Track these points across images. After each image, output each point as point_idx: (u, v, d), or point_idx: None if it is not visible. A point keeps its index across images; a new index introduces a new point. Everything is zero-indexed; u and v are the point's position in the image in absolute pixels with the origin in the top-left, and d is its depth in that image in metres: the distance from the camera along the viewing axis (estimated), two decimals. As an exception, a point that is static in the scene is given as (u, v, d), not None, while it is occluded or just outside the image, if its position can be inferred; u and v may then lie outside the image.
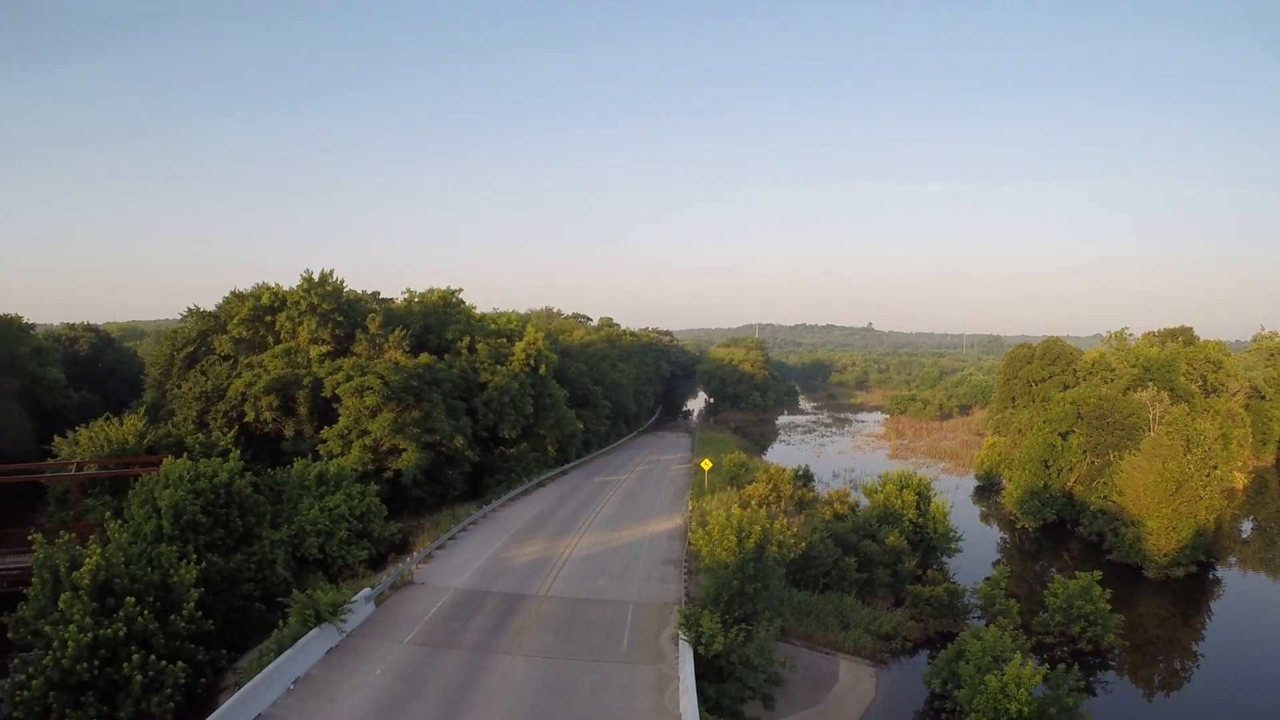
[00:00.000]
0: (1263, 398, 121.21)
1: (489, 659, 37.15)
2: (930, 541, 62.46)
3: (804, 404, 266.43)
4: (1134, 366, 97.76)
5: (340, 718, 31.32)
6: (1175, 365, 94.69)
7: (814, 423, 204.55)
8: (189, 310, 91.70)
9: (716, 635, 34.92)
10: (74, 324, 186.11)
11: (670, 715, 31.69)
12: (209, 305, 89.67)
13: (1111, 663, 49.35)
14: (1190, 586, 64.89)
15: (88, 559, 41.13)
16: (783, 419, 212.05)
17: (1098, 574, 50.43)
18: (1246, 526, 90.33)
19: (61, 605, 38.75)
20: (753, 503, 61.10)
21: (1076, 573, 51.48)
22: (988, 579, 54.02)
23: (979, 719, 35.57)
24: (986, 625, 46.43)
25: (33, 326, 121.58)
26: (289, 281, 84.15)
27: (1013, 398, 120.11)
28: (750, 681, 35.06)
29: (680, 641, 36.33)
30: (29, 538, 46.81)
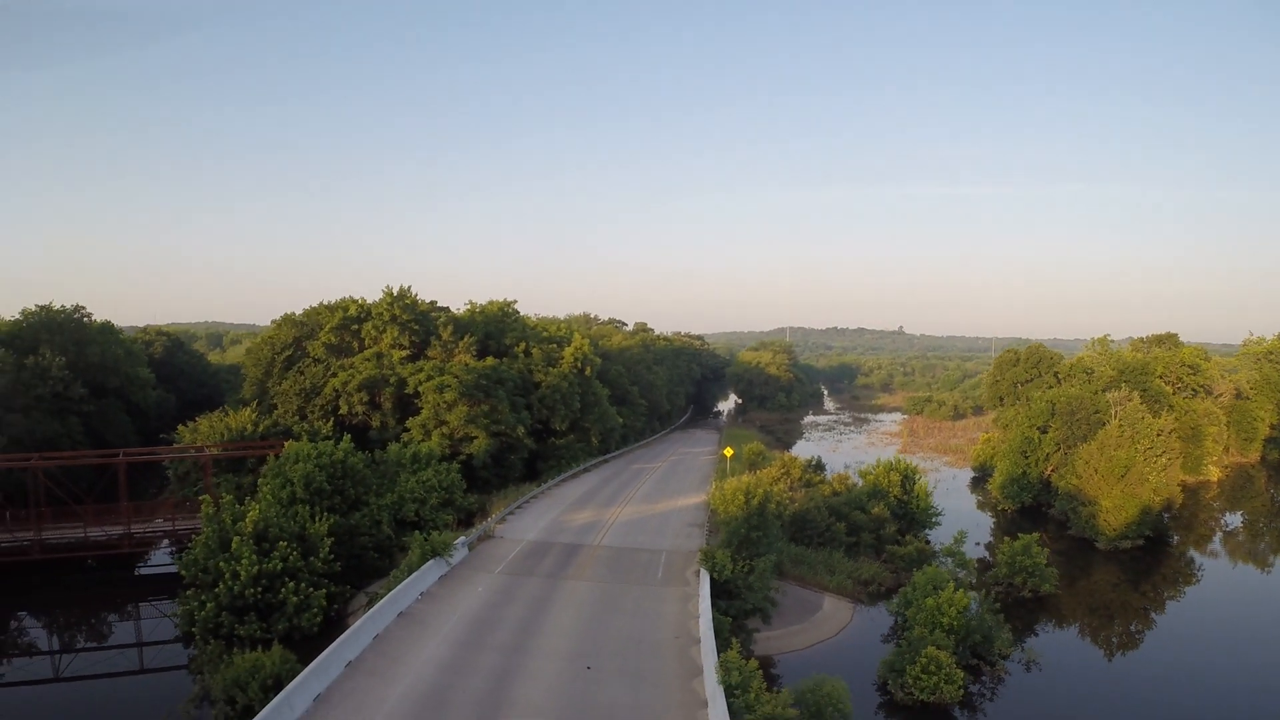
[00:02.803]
0: (1246, 399, 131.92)
1: (559, 582, 50.61)
2: (913, 515, 75.02)
3: (829, 405, 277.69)
4: (1113, 370, 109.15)
5: (458, 614, 44.66)
6: (1150, 369, 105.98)
7: (835, 422, 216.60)
8: (283, 318, 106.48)
9: (727, 564, 48.10)
10: (146, 327, 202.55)
11: (691, 616, 44.61)
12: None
13: (1059, 611, 61.40)
14: (1137, 558, 76.34)
15: (249, 513, 55.02)
16: (807, 419, 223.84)
17: (1036, 535, 62.96)
18: (1207, 513, 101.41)
19: (234, 547, 52.28)
20: (763, 479, 73.89)
21: (997, 525, 63.95)
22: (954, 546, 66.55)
23: (920, 630, 48.18)
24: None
25: (121, 330, 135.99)
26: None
27: (1000, 398, 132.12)
28: (751, 600, 48.18)
29: (700, 572, 49.39)
30: (200, 499, 61.22)
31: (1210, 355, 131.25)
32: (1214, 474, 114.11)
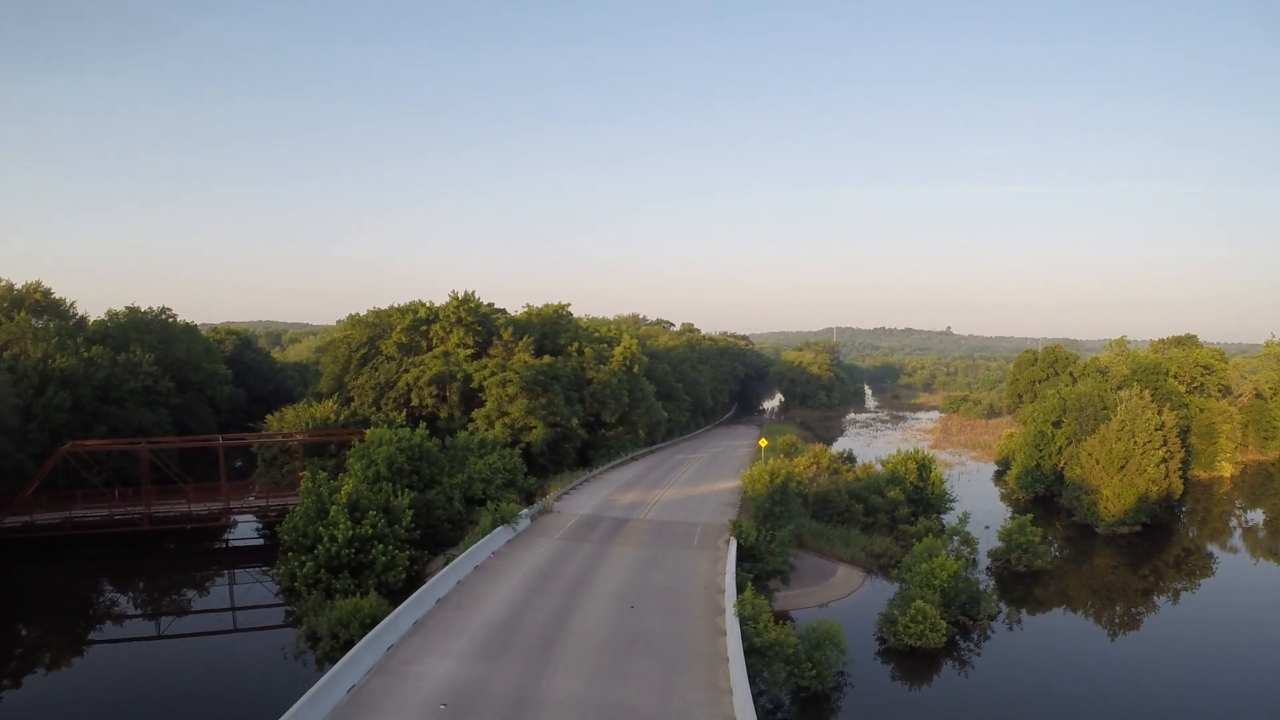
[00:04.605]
0: (1265, 399, 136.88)
1: (609, 547, 59.83)
2: (927, 500, 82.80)
3: (870, 403, 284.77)
4: (1127, 369, 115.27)
5: (525, 566, 54.02)
6: (1163, 368, 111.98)
7: (874, 419, 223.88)
8: (349, 319, 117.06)
9: (751, 532, 56.89)
10: (217, 326, 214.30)
11: (720, 573, 53.34)
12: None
13: (1050, 584, 68.97)
14: (1134, 542, 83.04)
15: (343, 487, 64.73)
16: (848, 416, 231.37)
17: (1030, 516, 70.62)
18: (1220, 506, 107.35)
19: (331, 514, 61.80)
20: (790, 464, 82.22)
21: (1014, 514, 71.72)
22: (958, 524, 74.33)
23: (916, 590, 56.39)
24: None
25: (197, 328, 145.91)
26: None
27: (1019, 395, 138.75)
28: (772, 563, 56.83)
29: (730, 540, 58.14)
30: (295, 477, 71.20)
31: (1229, 356, 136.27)
32: (1227, 470, 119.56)
